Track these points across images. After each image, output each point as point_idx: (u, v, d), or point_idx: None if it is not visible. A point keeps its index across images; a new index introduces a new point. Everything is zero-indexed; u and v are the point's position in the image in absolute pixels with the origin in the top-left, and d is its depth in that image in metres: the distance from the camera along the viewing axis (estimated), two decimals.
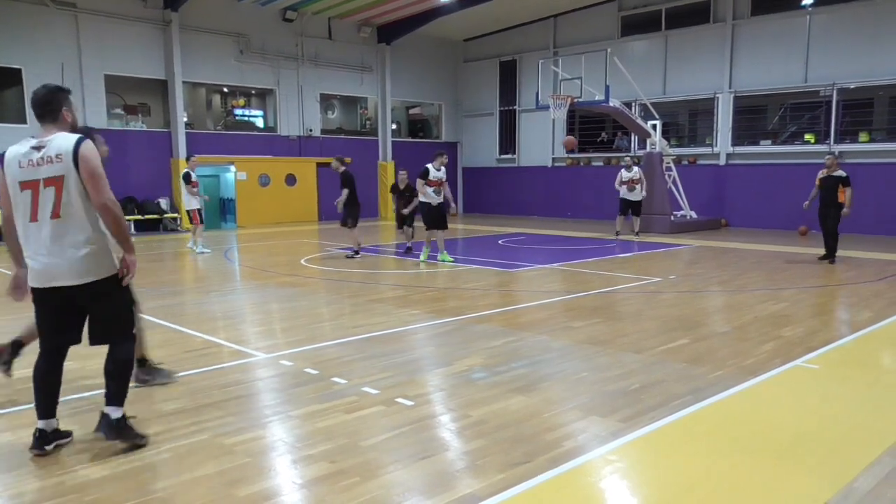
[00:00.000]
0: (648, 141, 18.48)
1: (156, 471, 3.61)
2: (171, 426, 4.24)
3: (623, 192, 16.45)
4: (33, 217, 3.66)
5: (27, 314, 7.31)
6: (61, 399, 4.78)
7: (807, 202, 11.88)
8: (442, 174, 11.96)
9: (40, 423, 3.84)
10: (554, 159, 24.12)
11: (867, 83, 17.48)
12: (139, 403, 4.67)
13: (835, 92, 17.84)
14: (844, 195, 11.34)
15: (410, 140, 26.15)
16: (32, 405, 4.81)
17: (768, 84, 19.08)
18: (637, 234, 16.66)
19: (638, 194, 16.49)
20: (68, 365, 5.61)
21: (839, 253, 11.91)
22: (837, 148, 17.82)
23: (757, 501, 3.27)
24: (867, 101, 18.20)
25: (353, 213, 12.75)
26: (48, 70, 17.34)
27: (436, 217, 11.89)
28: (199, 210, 13.76)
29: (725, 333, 6.75)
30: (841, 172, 11.42)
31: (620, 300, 8.62)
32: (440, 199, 11.93)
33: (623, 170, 16.53)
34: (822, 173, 11.61)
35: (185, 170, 13.64)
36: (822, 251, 11.98)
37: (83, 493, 3.36)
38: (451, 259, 11.96)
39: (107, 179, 3.69)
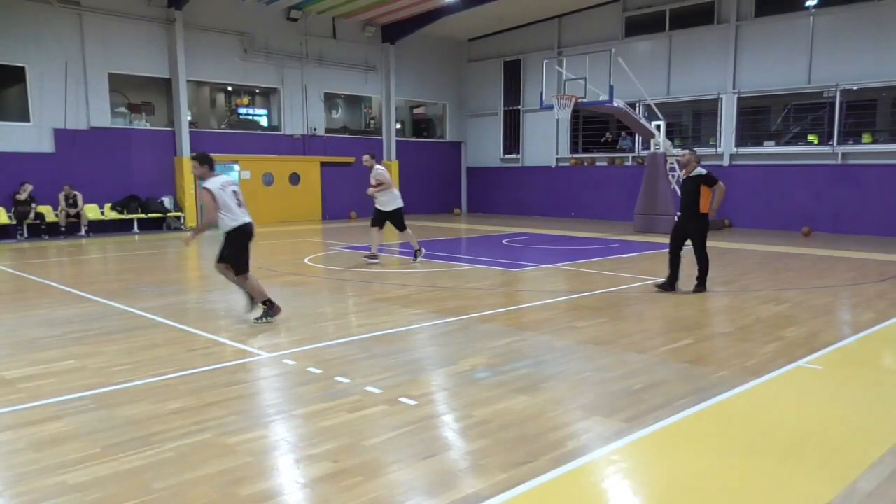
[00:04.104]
0: (652, 141, 18.46)
1: (158, 470, 3.61)
2: (174, 425, 4.24)
3: None
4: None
5: (26, 314, 7.30)
6: (62, 399, 4.80)
7: (678, 213, 9.12)
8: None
9: None
10: (558, 159, 24.09)
11: (870, 84, 17.42)
12: (141, 402, 4.68)
13: (838, 93, 17.78)
14: (708, 199, 8.56)
15: (414, 139, 26.13)
16: (32, 405, 4.83)
17: (772, 85, 19.03)
18: (372, 257, 11.60)
19: (381, 201, 11.53)
20: (68, 364, 5.65)
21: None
22: (841, 149, 17.78)
23: (760, 501, 3.26)
24: (870, 103, 18.17)
25: None
26: (52, 68, 17.39)
27: None
28: None
29: (728, 334, 6.74)
30: (701, 170, 8.65)
31: (624, 300, 8.60)
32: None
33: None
34: (681, 174, 8.94)
35: None
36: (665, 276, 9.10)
37: (84, 493, 3.35)
38: None
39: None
